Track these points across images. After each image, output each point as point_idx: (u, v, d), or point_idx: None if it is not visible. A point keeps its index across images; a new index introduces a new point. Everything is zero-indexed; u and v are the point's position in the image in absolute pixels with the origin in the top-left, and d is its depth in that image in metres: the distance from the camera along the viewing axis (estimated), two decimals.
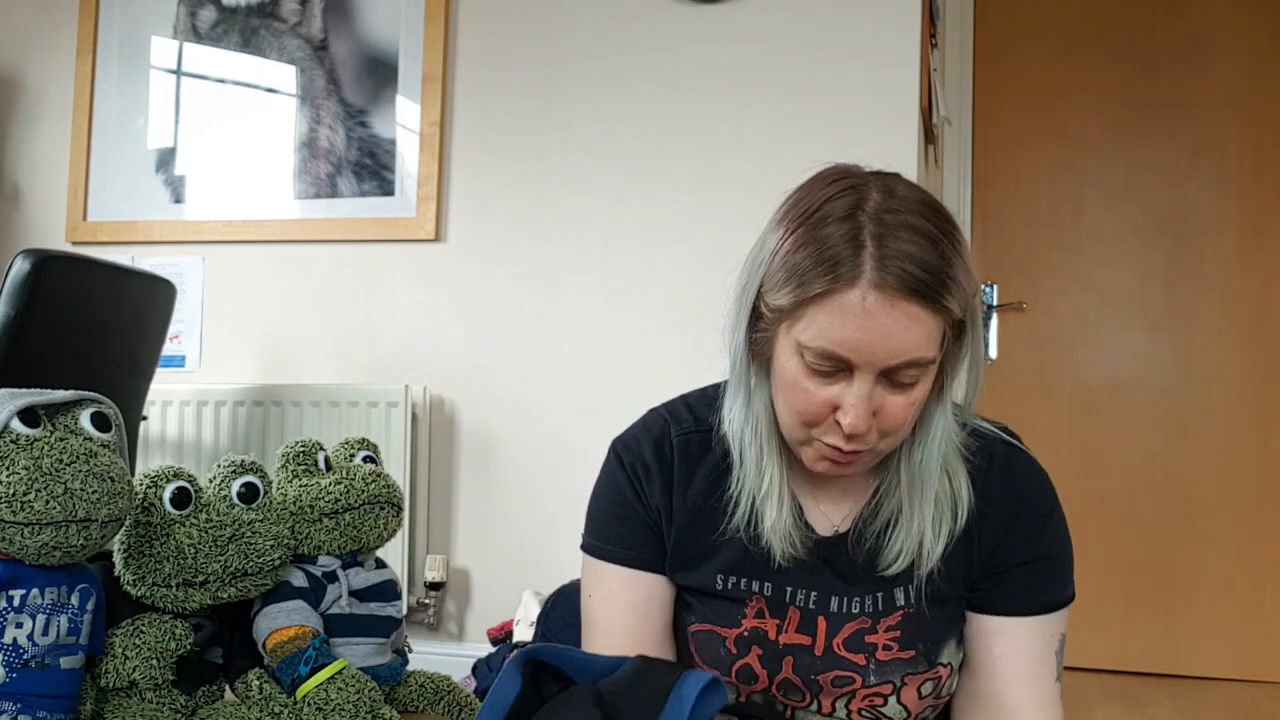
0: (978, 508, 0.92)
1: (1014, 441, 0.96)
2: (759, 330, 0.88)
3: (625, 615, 0.99)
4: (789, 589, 0.95)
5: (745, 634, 0.95)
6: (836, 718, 0.95)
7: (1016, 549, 0.92)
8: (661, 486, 0.98)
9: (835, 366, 0.82)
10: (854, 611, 0.94)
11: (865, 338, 0.80)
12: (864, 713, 0.94)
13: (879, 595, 0.94)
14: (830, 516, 0.96)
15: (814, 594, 0.95)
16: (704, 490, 0.97)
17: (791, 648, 0.94)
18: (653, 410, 1.04)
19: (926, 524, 0.89)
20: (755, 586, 0.96)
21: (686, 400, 1.03)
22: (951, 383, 0.89)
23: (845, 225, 0.81)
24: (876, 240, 0.79)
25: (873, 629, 0.93)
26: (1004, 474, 0.94)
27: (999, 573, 0.93)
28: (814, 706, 0.95)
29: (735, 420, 0.94)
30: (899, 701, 0.94)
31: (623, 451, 1.01)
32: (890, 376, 0.82)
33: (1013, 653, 0.93)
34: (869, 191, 0.83)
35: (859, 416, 0.82)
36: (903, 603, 0.93)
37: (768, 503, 0.92)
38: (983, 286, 3.10)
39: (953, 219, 0.84)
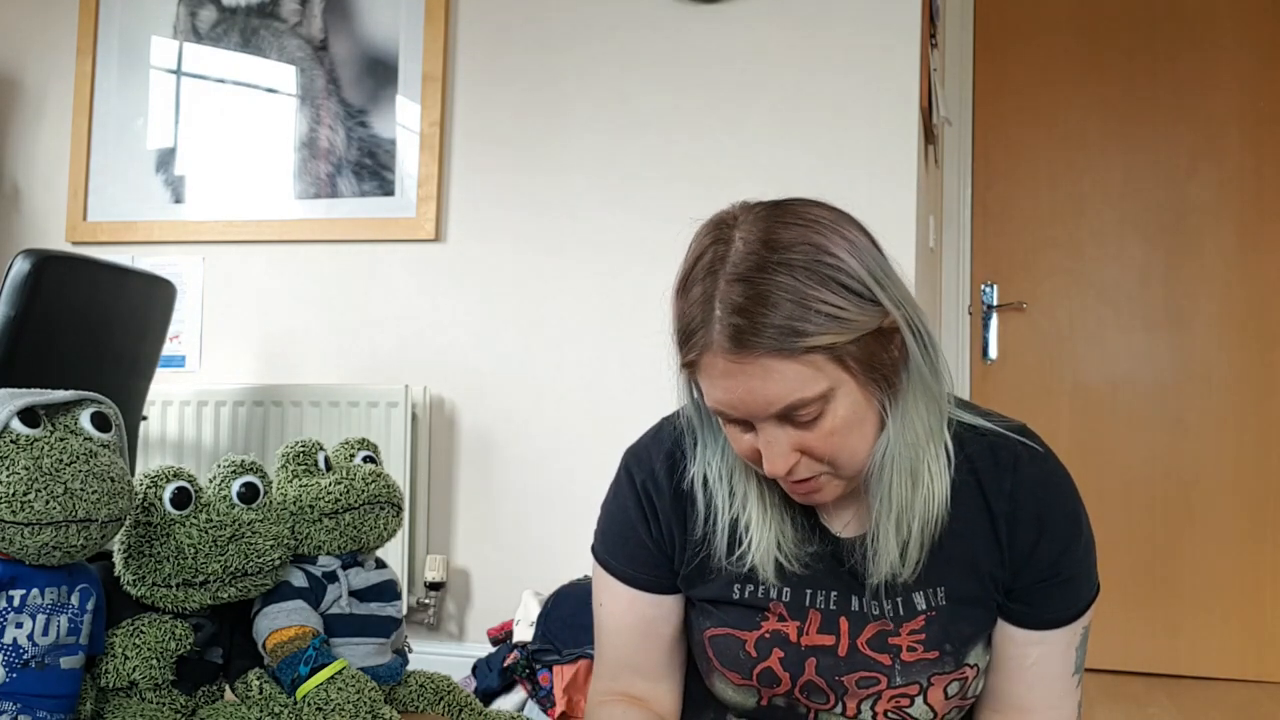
0: (1006, 509, 0.91)
1: (1034, 444, 0.94)
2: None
3: (631, 633, 1.02)
4: (809, 591, 0.94)
5: (766, 636, 0.94)
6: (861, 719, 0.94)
7: (1049, 564, 0.91)
8: (673, 500, 0.98)
9: (736, 420, 0.85)
10: (874, 613, 0.93)
11: (733, 397, 0.82)
12: (890, 714, 0.93)
13: (898, 601, 0.92)
14: (834, 525, 0.96)
15: (834, 594, 0.94)
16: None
17: (814, 649, 0.93)
18: (666, 420, 1.03)
19: (891, 537, 0.89)
20: (774, 593, 0.95)
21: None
22: (899, 397, 0.86)
23: (701, 287, 0.82)
24: (725, 304, 0.80)
25: (895, 632, 0.92)
26: (1031, 477, 0.92)
27: (1035, 587, 0.92)
28: (839, 709, 0.94)
29: (713, 464, 0.95)
30: (925, 702, 0.93)
31: (634, 467, 1.01)
32: (789, 419, 0.82)
33: (1042, 660, 0.94)
34: (731, 245, 0.83)
35: (773, 460, 0.84)
36: (924, 607, 0.92)
37: (750, 530, 0.93)
38: (983, 286, 3.10)
39: (834, 244, 0.81)
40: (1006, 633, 0.94)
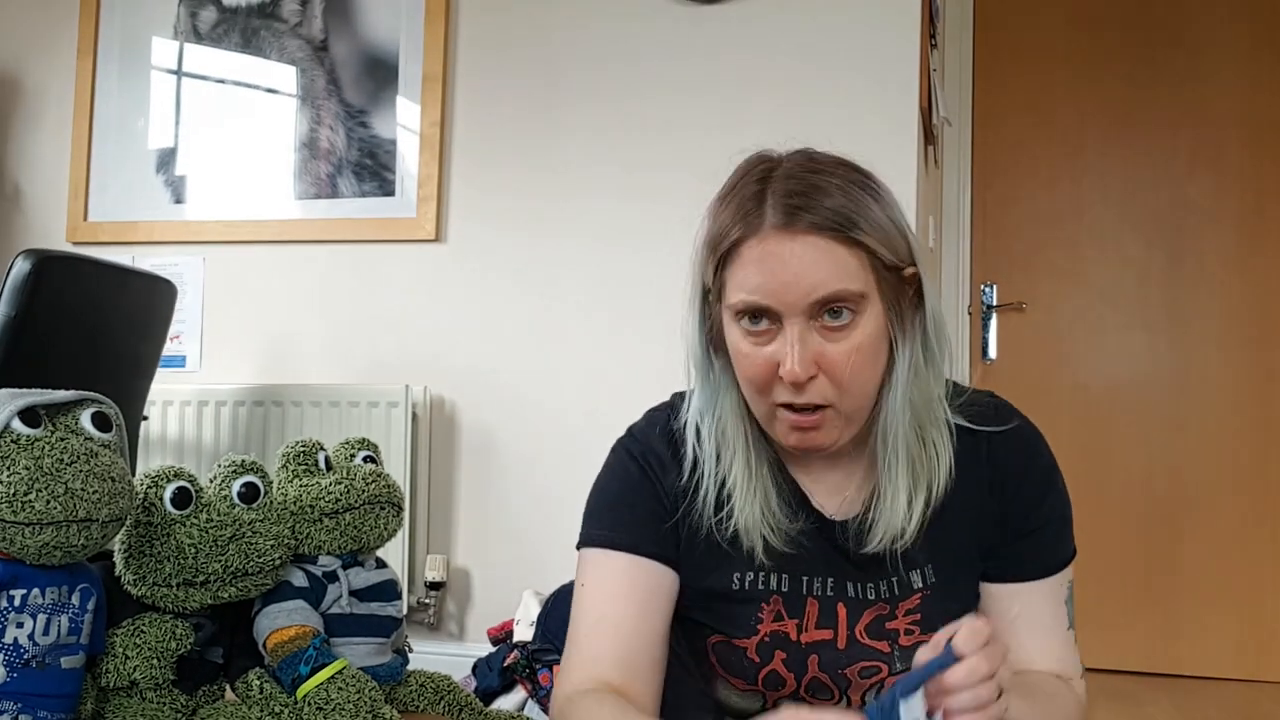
0: (989, 474, 0.93)
1: (1005, 411, 0.98)
2: (710, 319, 0.92)
3: (623, 603, 0.93)
4: (805, 579, 0.94)
5: (766, 639, 0.95)
6: None
7: (1030, 515, 0.94)
8: (677, 475, 0.96)
9: (766, 322, 0.85)
10: (870, 598, 0.93)
11: (775, 277, 0.83)
12: None
13: (894, 580, 0.93)
14: (827, 507, 0.96)
15: (830, 580, 0.94)
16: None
17: (815, 645, 0.94)
18: (654, 408, 1.04)
19: (901, 496, 0.89)
20: (772, 582, 0.94)
21: (685, 395, 1.02)
22: (909, 346, 0.88)
23: (753, 187, 0.87)
24: (779, 192, 0.85)
25: (891, 615, 0.93)
26: (1004, 440, 0.95)
27: (1013, 540, 0.94)
28: (844, 703, 0.95)
29: (705, 420, 0.95)
30: None
31: (631, 445, 1.00)
32: (821, 319, 0.83)
33: (1027, 614, 0.94)
34: (781, 162, 0.90)
35: (795, 360, 0.83)
36: (920, 585, 0.93)
37: (735, 492, 0.92)
38: (983, 286, 3.10)
39: (874, 178, 0.89)
40: (988, 591, 0.96)
